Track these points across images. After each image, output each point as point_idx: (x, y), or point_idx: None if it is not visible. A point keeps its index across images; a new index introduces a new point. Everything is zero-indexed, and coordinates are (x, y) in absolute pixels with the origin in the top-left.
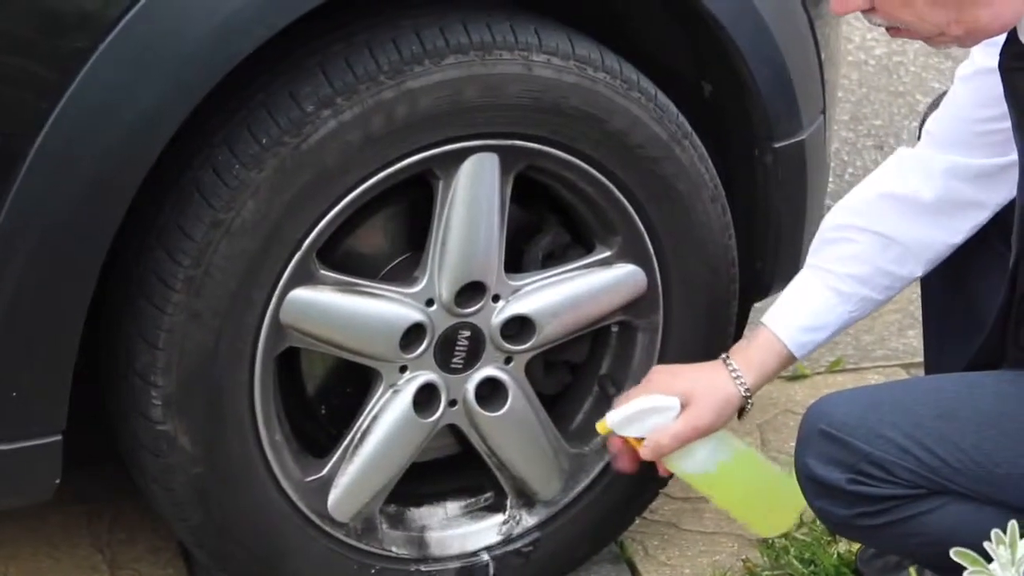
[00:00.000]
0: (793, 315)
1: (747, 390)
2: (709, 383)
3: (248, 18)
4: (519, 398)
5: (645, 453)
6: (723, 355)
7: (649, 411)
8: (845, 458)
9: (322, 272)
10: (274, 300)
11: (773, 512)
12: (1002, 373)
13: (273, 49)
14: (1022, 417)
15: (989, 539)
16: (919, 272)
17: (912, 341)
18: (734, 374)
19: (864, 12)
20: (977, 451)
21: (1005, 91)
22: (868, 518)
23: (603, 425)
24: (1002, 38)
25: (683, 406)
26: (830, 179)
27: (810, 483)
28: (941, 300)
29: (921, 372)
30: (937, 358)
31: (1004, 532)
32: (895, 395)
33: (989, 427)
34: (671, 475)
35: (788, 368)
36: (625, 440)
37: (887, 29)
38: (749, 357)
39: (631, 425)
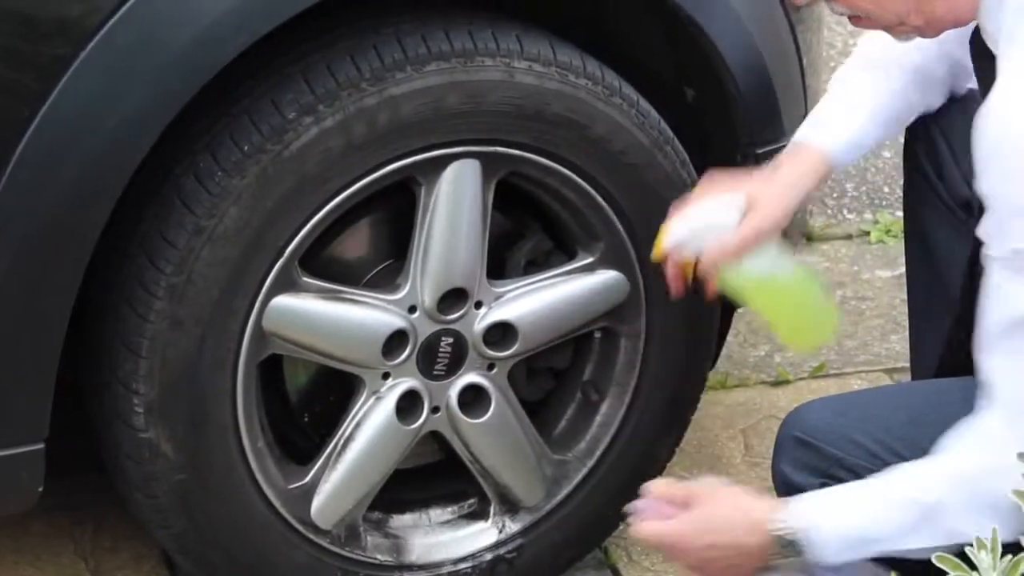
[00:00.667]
0: (832, 129)
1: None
2: (770, 187)
3: (230, 25)
4: (502, 405)
5: (705, 263)
6: (774, 161)
7: (704, 228)
8: (817, 464)
9: (304, 279)
10: (256, 307)
11: (811, 331)
12: (969, 380)
13: (255, 56)
14: None
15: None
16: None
17: (895, 346)
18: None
19: (826, 0)
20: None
21: (976, 74)
22: None
23: (658, 251)
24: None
25: (744, 211)
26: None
27: (785, 489)
28: (923, 296)
29: (904, 377)
30: (917, 355)
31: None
32: (867, 402)
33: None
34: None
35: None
36: (680, 265)
37: (849, 18)
38: (791, 175)
39: (686, 247)
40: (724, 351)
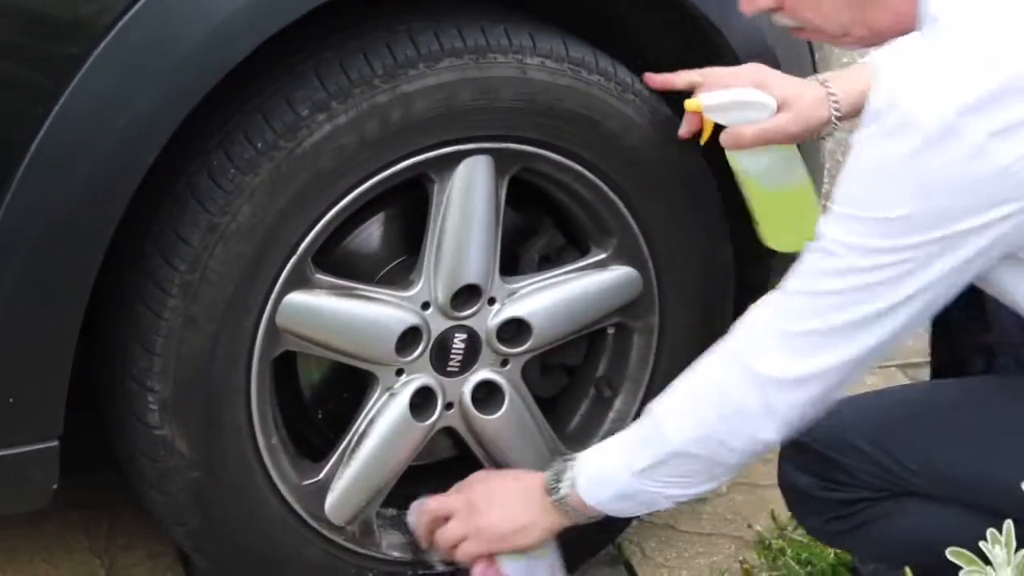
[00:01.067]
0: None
1: (838, 118)
2: (808, 95)
3: (242, 23)
4: (515, 401)
5: (725, 140)
6: (821, 76)
7: (745, 104)
8: (814, 465)
9: (318, 276)
10: (270, 304)
11: (792, 236)
12: (963, 380)
13: (268, 53)
14: (971, 420)
15: (953, 538)
16: None
17: (907, 341)
18: (832, 98)
19: (771, 11)
20: (931, 453)
21: None
22: (840, 522)
23: (694, 103)
24: None
25: (778, 109)
26: (824, 179)
27: (786, 491)
28: None
29: (918, 372)
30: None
31: (962, 532)
32: (862, 404)
33: (943, 430)
34: None
35: None
36: (704, 122)
37: (792, 29)
38: (848, 87)
39: (722, 112)
40: None
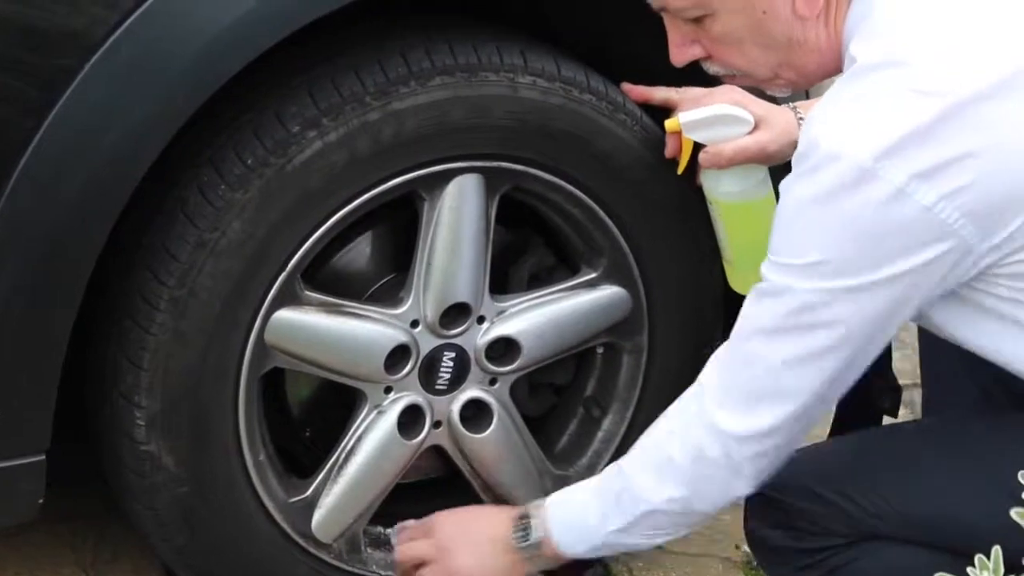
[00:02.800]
0: None
1: None
2: (782, 117)
3: (233, 39)
4: (504, 420)
5: (704, 158)
6: (790, 104)
7: (722, 120)
8: (779, 515)
9: (307, 293)
10: (259, 321)
11: (757, 272)
12: (920, 421)
13: (259, 69)
14: (928, 462)
15: None
16: None
17: (897, 363)
18: (801, 120)
19: (701, 60)
20: (891, 497)
21: None
22: (809, 570)
23: (673, 122)
24: None
25: (755, 127)
26: None
27: (753, 544)
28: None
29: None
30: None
31: (930, 571)
32: (821, 452)
33: (901, 472)
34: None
35: None
36: (683, 142)
37: (724, 77)
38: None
39: (700, 130)
40: None
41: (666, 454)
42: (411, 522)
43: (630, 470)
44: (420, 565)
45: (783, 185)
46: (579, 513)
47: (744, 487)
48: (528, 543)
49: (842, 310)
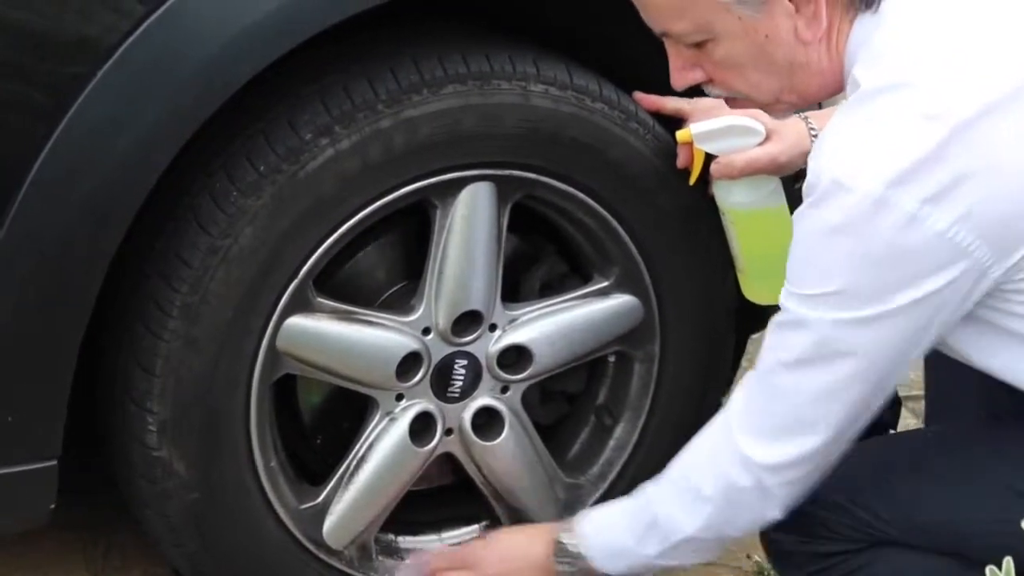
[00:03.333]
0: None
1: None
2: (793, 128)
3: (246, 46)
4: (515, 427)
5: (715, 170)
6: (802, 115)
7: (734, 131)
8: (792, 520)
9: (319, 300)
10: (271, 327)
11: (770, 281)
12: (930, 429)
13: (272, 77)
14: (939, 469)
15: None
16: None
17: (910, 375)
18: (813, 134)
19: (702, 84)
20: (902, 503)
21: None
22: (823, 575)
23: (685, 133)
24: None
25: (766, 138)
26: None
27: (767, 547)
28: None
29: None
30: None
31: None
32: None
33: (913, 479)
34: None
35: None
36: (695, 153)
37: (726, 100)
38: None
39: (712, 141)
40: (738, 375)
41: (695, 486)
42: (427, 552)
43: (659, 497)
44: None
45: (796, 215)
46: (615, 536)
47: (776, 512)
48: (568, 568)
49: (862, 339)
